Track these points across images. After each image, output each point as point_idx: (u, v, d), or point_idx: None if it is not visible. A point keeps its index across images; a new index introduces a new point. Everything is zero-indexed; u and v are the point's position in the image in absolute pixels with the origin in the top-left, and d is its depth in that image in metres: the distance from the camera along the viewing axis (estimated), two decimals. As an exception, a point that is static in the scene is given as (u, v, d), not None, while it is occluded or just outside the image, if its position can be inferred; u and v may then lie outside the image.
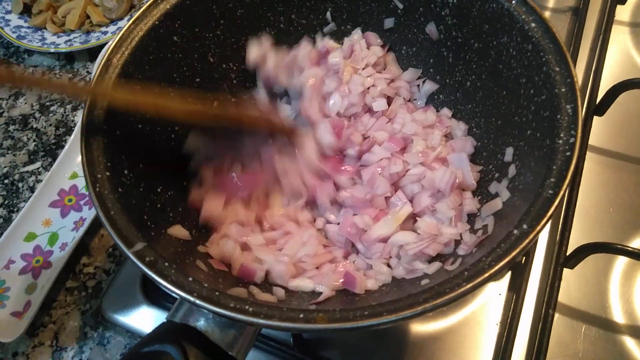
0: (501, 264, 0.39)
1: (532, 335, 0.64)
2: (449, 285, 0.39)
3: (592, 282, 0.67)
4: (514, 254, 0.39)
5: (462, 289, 0.38)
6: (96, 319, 0.71)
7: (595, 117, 0.78)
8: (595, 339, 0.64)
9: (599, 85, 0.81)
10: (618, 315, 0.64)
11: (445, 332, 0.65)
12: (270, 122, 0.62)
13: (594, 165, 0.76)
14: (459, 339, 0.65)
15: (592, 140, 0.77)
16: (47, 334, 0.70)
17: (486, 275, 0.38)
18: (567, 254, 0.66)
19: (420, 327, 0.65)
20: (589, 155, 0.76)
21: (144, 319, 0.69)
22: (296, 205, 0.61)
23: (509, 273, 0.68)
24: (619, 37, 0.88)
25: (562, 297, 0.66)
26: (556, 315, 0.64)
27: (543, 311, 0.64)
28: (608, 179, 0.75)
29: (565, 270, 0.67)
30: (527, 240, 0.39)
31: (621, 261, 0.67)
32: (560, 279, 0.66)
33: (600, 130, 0.79)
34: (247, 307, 0.40)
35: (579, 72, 0.84)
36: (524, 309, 0.64)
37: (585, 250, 0.63)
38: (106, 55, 0.54)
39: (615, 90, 0.74)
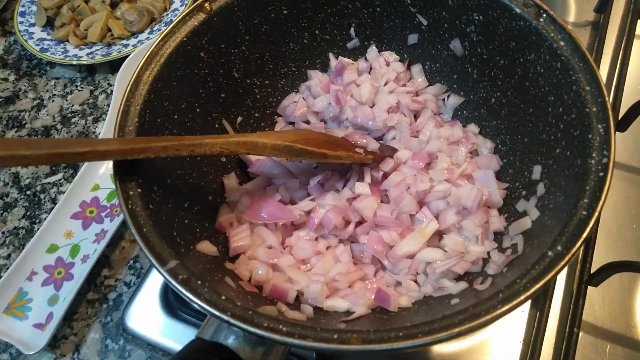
0: (537, 286, 0.38)
1: (556, 354, 0.63)
2: (484, 307, 0.38)
3: (617, 300, 0.67)
4: (549, 276, 0.39)
5: (498, 312, 0.37)
6: (117, 332, 0.71)
7: (617, 133, 0.77)
8: (621, 358, 0.63)
9: (620, 101, 0.81)
10: (645, 335, 0.64)
11: (467, 351, 0.64)
12: (352, 157, 0.61)
13: (617, 182, 0.75)
14: (481, 357, 0.64)
15: (615, 156, 0.76)
16: (69, 346, 0.71)
17: (522, 297, 0.38)
18: (591, 271, 0.66)
19: (442, 345, 0.64)
20: (611, 171, 0.75)
21: (165, 331, 0.68)
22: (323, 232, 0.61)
23: (532, 290, 0.67)
24: (641, 52, 0.88)
25: (586, 315, 0.65)
26: (580, 334, 0.64)
27: (567, 329, 0.63)
28: (631, 195, 0.74)
29: (589, 288, 0.66)
30: (562, 262, 0.39)
31: (647, 279, 0.67)
32: (584, 297, 0.65)
33: (622, 146, 0.78)
34: (280, 326, 0.40)
35: (600, 87, 0.84)
36: (548, 327, 0.64)
37: (610, 269, 0.62)
38: (136, 72, 0.55)
39: (639, 107, 0.73)
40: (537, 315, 0.65)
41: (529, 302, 0.66)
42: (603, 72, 0.86)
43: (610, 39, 0.90)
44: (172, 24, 0.58)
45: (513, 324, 0.66)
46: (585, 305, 0.65)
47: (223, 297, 0.42)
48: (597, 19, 0.92)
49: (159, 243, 0.45)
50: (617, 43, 0.89)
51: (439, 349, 0.64)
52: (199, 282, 0.43)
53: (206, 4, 0.60)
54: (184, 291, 0.41)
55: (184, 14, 0.59)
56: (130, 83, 0.54)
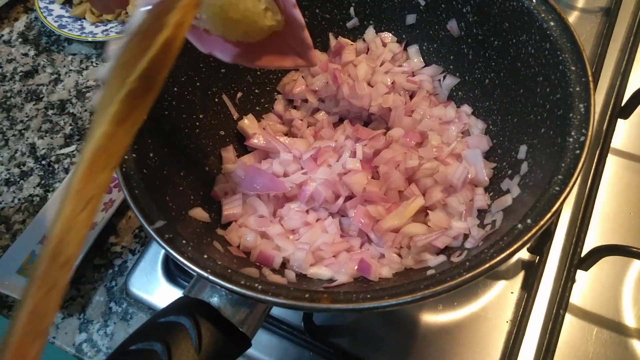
0: (502, 255, 0.40)
1: (542, 335, 0.64)
2: (450, 274, 0.40)
3: (607, 285, 0.67)
4: (515, 246, 0.40)
5: (462, 278, 0.39)
6: (121, 295, 0.75)
7: (619, 120, 0.77)
8: (607, 342, 0.64)
9: (625, 88, 0.80)
10: (631, 320, 0.64)
11: (455, 326, 0.66)
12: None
13: (617, 169, 0.75)
14: (469, 333, 0.65)
15: (615, 142, 0.76)
16: (76, 307, 0.74)
17: (486, 265, 0.39)
18: (582, 255, 0.66)
19: (431, 319, 0.66)
20: (611, 157, 0.75)
21: (165, 297, 0.72)
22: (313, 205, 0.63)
23: (522, 272, 0.68)
24: (650, 39, 0.87)
25: (576, 299, 0.66)
26: (568, 317, 0.64)
27: (554, 311, 0.64)
28: (630, 182, 0.74)
29: (581, 273, 0.67)
30: (529, 234, 0.40)
31: (637, 265, 0.67)
32: (573, 280, 0.65)
33: (624, 133, 0.78)
34: (256, 285, 0.42)
35: (607, 73, 0.83)
36: (536, 308, 0.65)
37: (599, 252, 0.62)
38: (137, 44, 0.57)
39: (640, 94, 0.73)
40: (525, 297, 0.66)
41: (520, 284, 0.67)
42: (611, 58, 0.85)
43: (621, 26, 0.88)
44: (174, 0, 0.60)
45: (502, 304, 0.67)
46: (576, 290, 0.66)
47: (205, 256, 0.44)
48: (608, 5, 0.91)
49: (150, 204, 0.47)
50: (628, 29, 0.88)
51: (428, 321, 0.66)
52: (184, 242, 0.45)
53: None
54: (168, 249, 0.44)
55: (186, -10, 0.61)
56: (131, 55, 0.56)
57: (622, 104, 0.77)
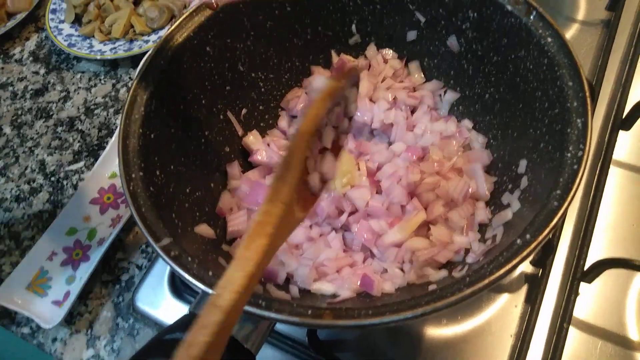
0: (501, 271, 0.40)
1: (547, 348, 0.64)
2: (451, 289, 0.40)
3: (611, 298, 0.67)
4: (514, 262, 0.40)
5: (462, 294, 0.39)
6: (128, 311, 0.75)
7: (621, 132, 0.77)
8: (612, 355, 0.63)
9: (626, 99, 0.80)
10: (635, 333, 0.64)
11: (459, 340, 0.66)
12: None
13: (620, 180, 0.75)
14: (473, 347, 0.65)
15: (617, 154, 0.76)
16: (83, 322, 0.75)
17: (486, 281, 0.40)
18: (585, 268, 0.66)
19: (435, 333, 0.66)
20: (613, 169, 0.75)
21: (171, 312, 0.72)
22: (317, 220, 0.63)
23: (526, 285, 0.68)
24: (651, 51, 0.87)
25: (580, 312, 0.66)
26: (572, 330, 0.64)
27: (558, 324, 0.64)
28: (632, 194, 0.74)
29: (585, 286, 0.67)
30: (528, 250, 0.41)
31: (641, 278, 0.67)
32: (576, 293, 0.66)
33: (627, 145, 0.78)
34: (260, 301, 0.43)
35: (607, 85, 0.84)
36: (540, 322, 0.65)
37: (602, 265, 0.62)
38: (145, 63, 0.59)
39: (642, 105, 0.73)
40: (529, 310, 0.66)
41: (523, 297, 0.67)
42: (612, 70, 0.85)
43: (622, 38, 0.89)
44: (180, 20, 0.62)
45: (506, 317, 0.67)
46: (580, 303, 0.66)
47: (210, 274, 0.45)
48: (608, 17, 0.91)
49: (156, 222, 0.48)
50: (629, 42, 0.89)
51: (432, 335, 0.66)
52: (190, 259, 0.46)
53: (213, 1, 0.63)
54: (174, 266, 0.45)
55: (191, 10, 0.63)
56: (139, 74, 0.58)
57: (624, 115, 0.77)
